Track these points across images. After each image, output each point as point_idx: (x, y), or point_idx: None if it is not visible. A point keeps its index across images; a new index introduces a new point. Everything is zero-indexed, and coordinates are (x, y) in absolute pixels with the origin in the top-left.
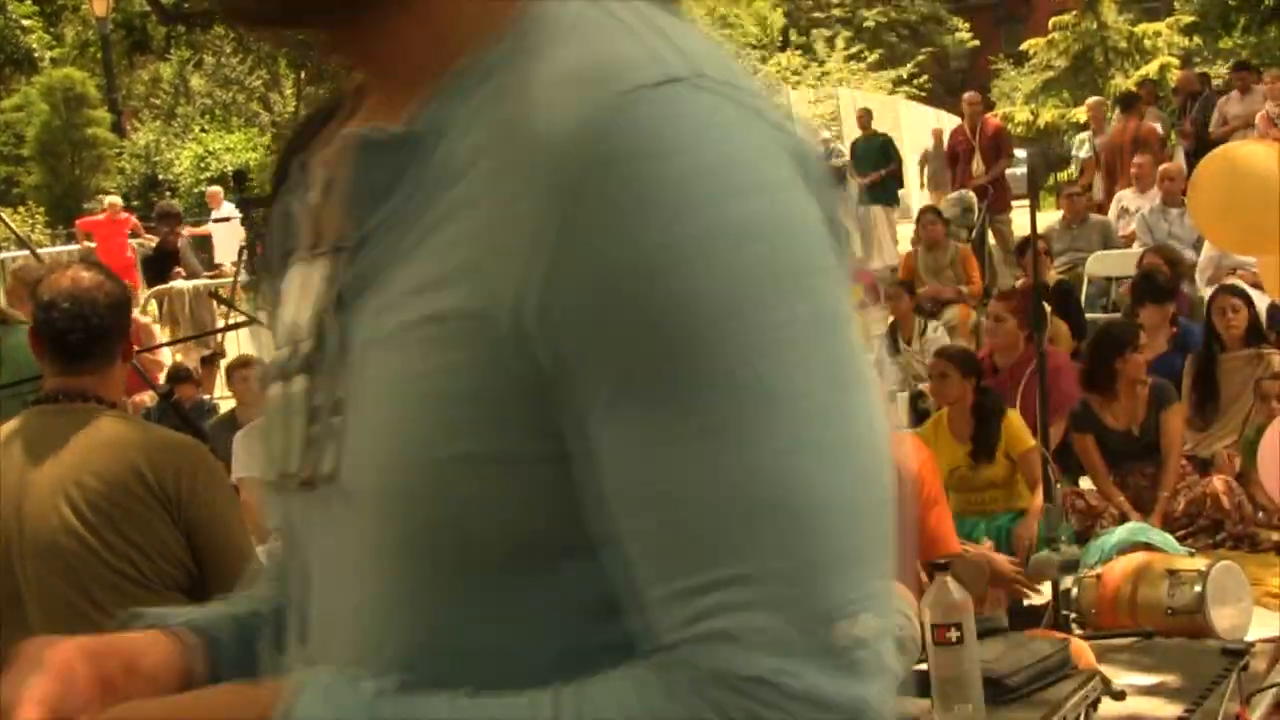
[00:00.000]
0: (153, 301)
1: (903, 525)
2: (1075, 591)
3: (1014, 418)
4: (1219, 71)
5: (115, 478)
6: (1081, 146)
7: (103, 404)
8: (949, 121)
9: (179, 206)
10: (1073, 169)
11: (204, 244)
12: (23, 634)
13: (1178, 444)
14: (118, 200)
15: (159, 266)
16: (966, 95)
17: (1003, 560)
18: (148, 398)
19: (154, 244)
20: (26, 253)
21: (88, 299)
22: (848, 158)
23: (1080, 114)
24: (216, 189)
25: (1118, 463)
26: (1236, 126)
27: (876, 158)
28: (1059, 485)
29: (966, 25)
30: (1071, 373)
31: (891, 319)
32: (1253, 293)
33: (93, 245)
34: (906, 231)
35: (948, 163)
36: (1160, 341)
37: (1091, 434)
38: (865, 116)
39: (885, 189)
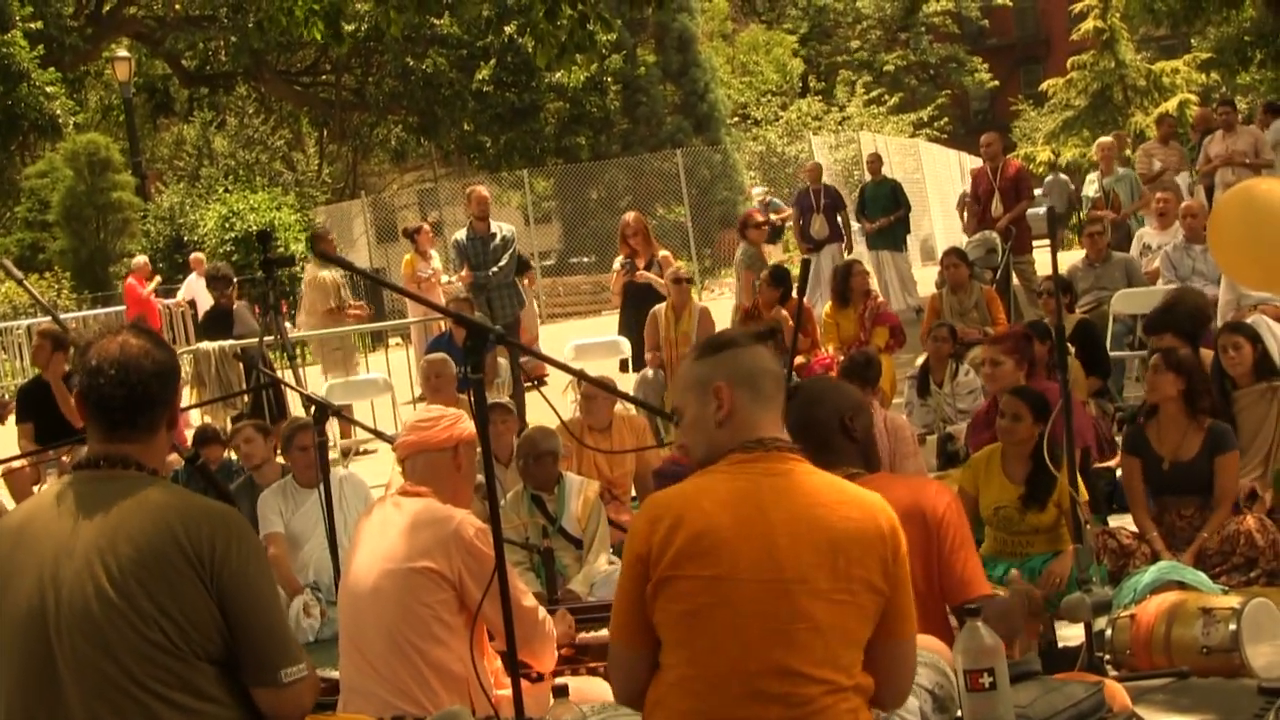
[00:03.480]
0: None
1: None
2: (1109, 632)
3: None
4: (1239, 107)
5: (151, 545)
6: (1090, 185)
7: (144, 471)
8: (970, 163)
9: (229, 269)
10: (1082, 211)
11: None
12: (56, 701)
13: (1231, 493)
14: (143, 259)
15: (221, 325)
16: (983, 137)
17: (1032, 589)
18: (174, 460)
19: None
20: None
21: (134, 366)
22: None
23: None
24: (199, 255)
25: (1156, 492)
26: (1217, 165)
27: (886, 202)
28: (1089, 526)
29: (985, 67)
30: (1082, 412)
31: (923, 360)
32: (1276, 327)
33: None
34: (931, 274)
35: (971, 204)
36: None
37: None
38: (875, 162)
39: (894, 234)
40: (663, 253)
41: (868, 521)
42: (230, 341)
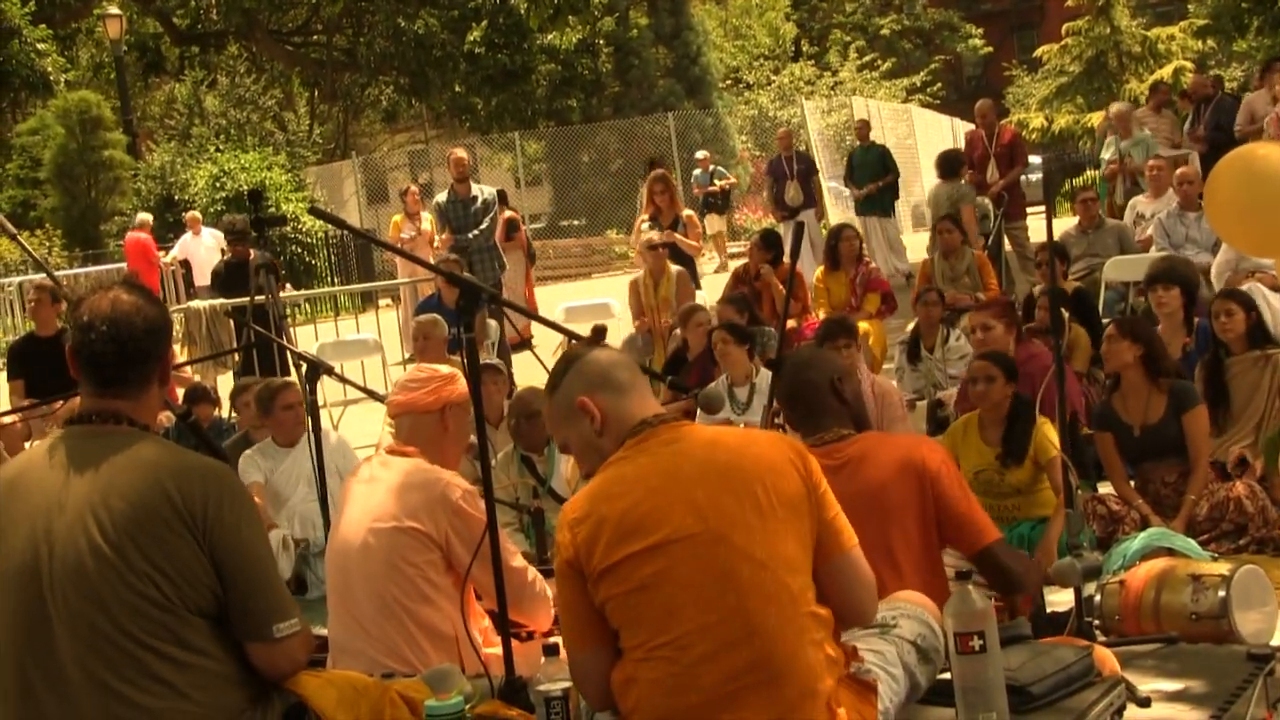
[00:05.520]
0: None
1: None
2: (1098, 598)
3: (1045, 426)
4: (1233, 74)
5: (142, 501)
6: (1109, 149)
7: (136, 426)
8: (963, 128)
9: (246, 223)
10: (1099, 172)
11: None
12: (49, 654)
13: (1205, 448)
14: (147, 216)
15: (238, 277)
16: (978, 105)
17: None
18: (165, 418)
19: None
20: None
21: (125, 323)
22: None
23: (1096, 119)
24: (195, 214)
25: (1133, 461)
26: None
27: (875, 168)
28: (1079, 491)
29: (980, 32)
30: (1071, 378)
31: (914, 326)
32: (1270, 295)
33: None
34: (924, 239)
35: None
36: (1177, 324)
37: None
38: (863, 128)
39: (882, 200)
40: (686, 212)
41: (775, 450)
42: (220, 301)
